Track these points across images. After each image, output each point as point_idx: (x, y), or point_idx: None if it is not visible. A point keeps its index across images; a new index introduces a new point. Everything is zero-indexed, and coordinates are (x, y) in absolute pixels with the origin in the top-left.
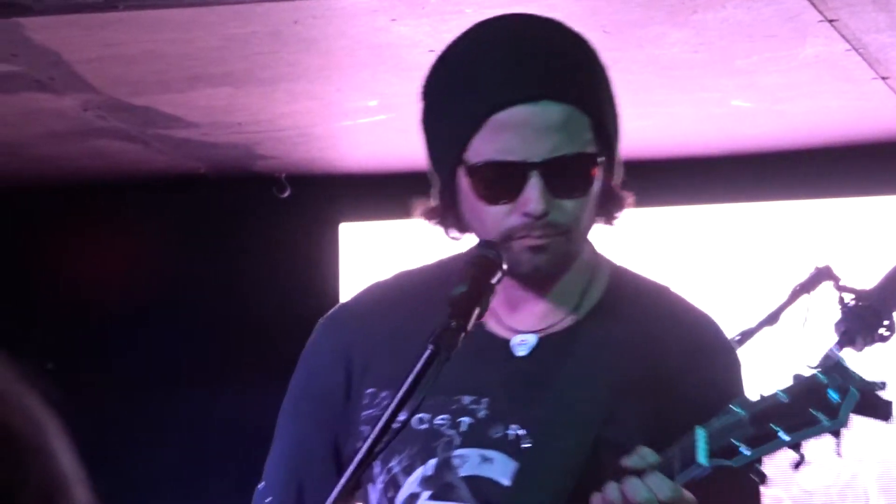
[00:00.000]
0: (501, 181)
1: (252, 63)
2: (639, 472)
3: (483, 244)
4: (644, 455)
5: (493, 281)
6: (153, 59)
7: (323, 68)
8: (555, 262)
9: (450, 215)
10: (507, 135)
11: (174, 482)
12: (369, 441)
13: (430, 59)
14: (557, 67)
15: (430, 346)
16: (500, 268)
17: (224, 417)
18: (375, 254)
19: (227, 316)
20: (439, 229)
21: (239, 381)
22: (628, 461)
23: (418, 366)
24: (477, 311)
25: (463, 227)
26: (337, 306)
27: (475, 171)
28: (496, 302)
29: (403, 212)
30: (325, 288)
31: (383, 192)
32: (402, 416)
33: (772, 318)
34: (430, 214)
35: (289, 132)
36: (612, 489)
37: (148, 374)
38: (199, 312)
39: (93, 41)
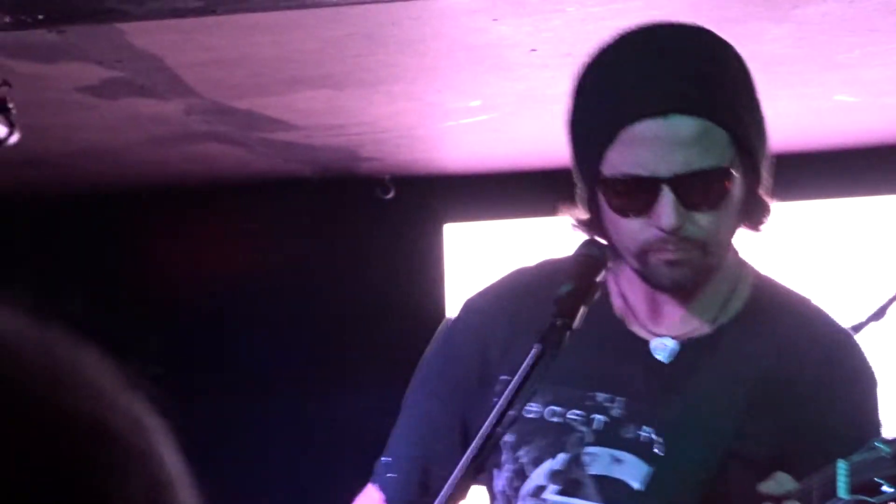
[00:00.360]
0: (634, 195)
1: (351, 65)
2: (776, 500)
3: (587, 243)
4: (782, 482)
5: (598, 279)
6: (253, 62)
7: (423, 69)
8: (692, 275)
9: (596, 225)
10: (639, 149)
11: (284, 483)
12: (483, 431)
13: (531, 59)
14: (693, 81)
15: (537, 346)
16: (605, 266)
17: (328, 417)
18: (480, 254)
19: (332, 317)
20: (534, 227)
21: (345, 381)
22: (766, 487)
23: (526, 365)
24: (583, 310)
25: (609, 239)
26: (482, 290)
27: (609, 185)
28: (639, 303)
29: (507, 211)
30: (431, 288)
31: (487, 193)
32: (534, 408)
33: (879, 313)
34: (580, 226)
35: (391, 134)
36: None
37: (252, 376)
38: (305, 314)
39: (193, 45)
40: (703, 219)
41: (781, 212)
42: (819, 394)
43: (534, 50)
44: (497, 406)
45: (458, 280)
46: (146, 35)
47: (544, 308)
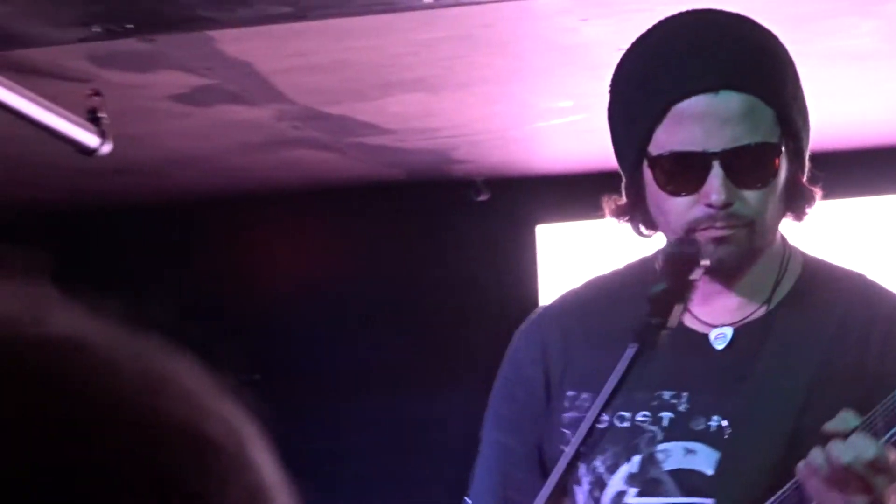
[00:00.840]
0: (683, 172)
1: (444, 68)
2: (842, 436)
3: (679, 240)
4: (846, 418)
5: (693, 277)
6: (345, 67)
7: (515, 70)
8: (739, 254)
9: (637, 211)
10: (687, 125)
11: (381, 486)
12: (574, 444)
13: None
14: (739, 58)
15: (633, 345)
16: (698, 264)
17: (424, 419)
18: (573, 254)
19: (426, 320)
20: (628, 227)
21: (439, 384)
22: (830, 425)
23: (622, 365)
24: (677, 308)
25: (651, 224)
26: (532, 314)
27: (657, 163)
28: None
29: (600, 212)
30: (524, 290)
31: (579, 193)
32: (603, 417)
33: None
34: (618, 212)
35: (484, 135)
36: (816, 454)
37: (348, 380)
38: (399, 317)
39: (284, 51)
40: (751, 196)
41: (866, 207)
42: (885, 361)
43: (621, 49)
44: (592, 408)
45: (552, 281)
46: (236, 42)
47: (596, 322)
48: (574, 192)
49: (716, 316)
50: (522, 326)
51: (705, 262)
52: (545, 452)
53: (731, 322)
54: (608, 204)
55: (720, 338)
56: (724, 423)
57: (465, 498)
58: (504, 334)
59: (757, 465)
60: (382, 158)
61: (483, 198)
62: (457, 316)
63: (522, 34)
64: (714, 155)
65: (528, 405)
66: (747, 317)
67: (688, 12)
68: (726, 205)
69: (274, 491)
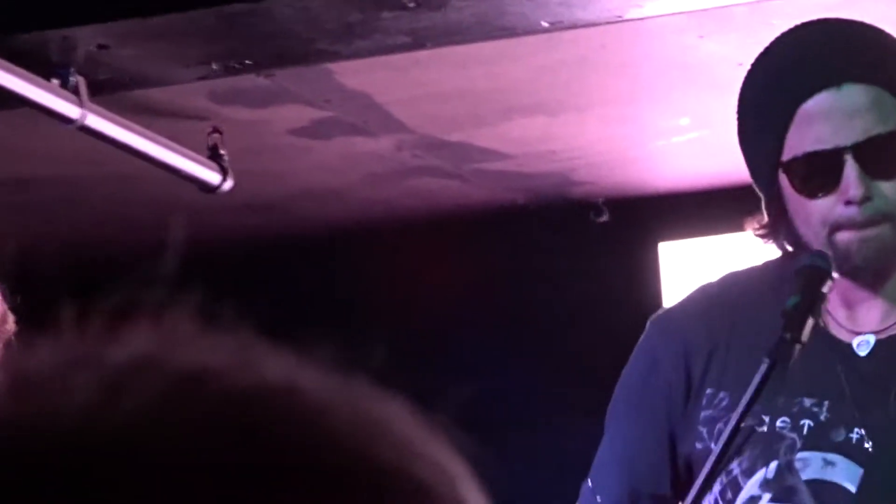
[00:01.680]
0: (818, 172)
1: (563, 91)
2: None
3: (813, 254)
4: None
5: (825, 290)
6: (465, 94)
7: (633, 91)
8: (883, 252)
9: (781, 226)
10: (816, 124)
11: None
12: (716, 452)
13: (739, 74)
14: (858, 51)
15: (767, 360)
16: (831, 276)
17: (549, 449)
18: (696, 271)
19: (552, 341)
20: (771, 245)
21: (565, 409)
22: None
23: (756, 381)
24: (810, 322)
25: (795, 238)
26: (668, 307)
27: (792, 168)
28: (834, 304)
29: (722, 227)
30: (648, 308)
31: (701, 209)
32: (738, 423)
33: None
34: (760, 232)
35: (603, 157)
36: None
37: (476, 410)
38: (523, 342)
39: (403, 81)
40: (888, 188)
41: None
42: None
43: (741, 64)
44: (729, 427)
45: (676, 298)
46: (356, 74)
47: (738, 322)
48: (695, 209)
49: (860, 323)
50: (657, 318)
51: (836, 275)
52: (679, 447)
53: (875, 329)
54: (750, 224)
55: (863, 345)
56: (865, 435)
57: (587, 480)
58: (628, 354)
59: None
60: (503, 183)
61: (604, 219)
62: (582, 337)
63: (640, 54)
64: (846, 149)
65: (664, 399)
66: (892, 325)
67: (800, 24)
68: (865, 198)
69: None
